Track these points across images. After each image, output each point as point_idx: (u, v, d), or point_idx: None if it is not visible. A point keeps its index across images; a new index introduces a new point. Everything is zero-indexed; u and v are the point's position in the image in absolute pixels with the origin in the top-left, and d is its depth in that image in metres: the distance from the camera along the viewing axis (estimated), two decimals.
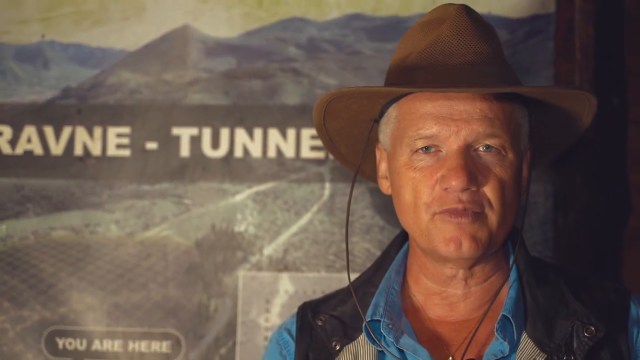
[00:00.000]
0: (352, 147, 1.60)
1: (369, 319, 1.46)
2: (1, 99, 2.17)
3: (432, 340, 1.47)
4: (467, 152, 1.40)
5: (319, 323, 1.50)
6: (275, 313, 2.11)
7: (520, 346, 1.41)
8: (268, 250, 2.11)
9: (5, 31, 2.17)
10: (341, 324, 1.50)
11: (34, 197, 2.15)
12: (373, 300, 1.50)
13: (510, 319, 1.41)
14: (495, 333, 1.41)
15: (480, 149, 1.40)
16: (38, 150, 2.16)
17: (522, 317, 1.44)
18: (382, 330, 1.45)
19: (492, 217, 1.41)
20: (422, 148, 1.40)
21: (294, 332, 1.55)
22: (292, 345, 1.54)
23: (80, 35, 2.17)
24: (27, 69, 2.17)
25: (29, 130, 2.15)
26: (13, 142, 2.16)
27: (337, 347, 1.48)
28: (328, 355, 1.49)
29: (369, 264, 2.09)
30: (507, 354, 1.40)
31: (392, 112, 1.44)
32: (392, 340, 1.43)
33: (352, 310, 1.51)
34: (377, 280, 1.52)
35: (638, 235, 2.06)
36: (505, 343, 1.40)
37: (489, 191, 1.40)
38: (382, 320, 1.45)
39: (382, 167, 1.50)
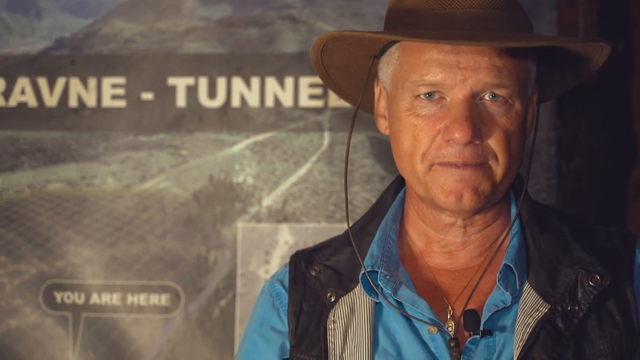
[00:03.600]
0: (349, 80, 1.58)
1: (374, 270, 1.45)
2: None
3: (431, 289, 1.48)
4: (473, 102, 1.38)
5: (313, 273, 1.50)
6: (275, 264, 2.13)
7: (523, 296, 1.41)
8: (267, 201, 2.13)
9: None
10: (336, 274, 1.49)
11: (29, 149, 2.18)
12: (369, 250, 1.50)
13: (513, 268, 1.41)
14: (497, 283, 1.40)
15: (487, 97, 1.38)
16: (32, 102, 2.18)
17: (524, 266, 1.44)
18: (379, 282, 1.45)
19: (497, 169, 1.40)
20: (425, 94, 1.38)
21: (286, 283, 1.55)
22: (285, 297, 1.54)
23: None
24: (19, 19, 2.18)
25: (23, 82, 2.18)
26: (6, 94, 2.19)
27: (332, 299, 1.48)
28: (323, 306, 1.49)
29: None
30: (509, 304, 1.41)
31: (395, 52, 1.41)
32: (389, 292, 1.44)
33: (347, 260, 1.51)
34: (373, 229, 1.52)
35: None
36: (507, 293, 1.40)
37: (493, 143, 1.39)
38: (379, 271, 1.45)
39: (381, 105, 1.48)
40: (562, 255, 1.45)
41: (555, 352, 1.40)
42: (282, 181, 2.14)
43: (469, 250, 1.48)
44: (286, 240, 2.12)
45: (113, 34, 2.19)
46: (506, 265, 1.42)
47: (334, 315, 1.50)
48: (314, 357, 1.51)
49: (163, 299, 2.16)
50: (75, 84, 2.18)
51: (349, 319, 1.50)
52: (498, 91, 1.38)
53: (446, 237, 1.48)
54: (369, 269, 1.45)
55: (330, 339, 1.49)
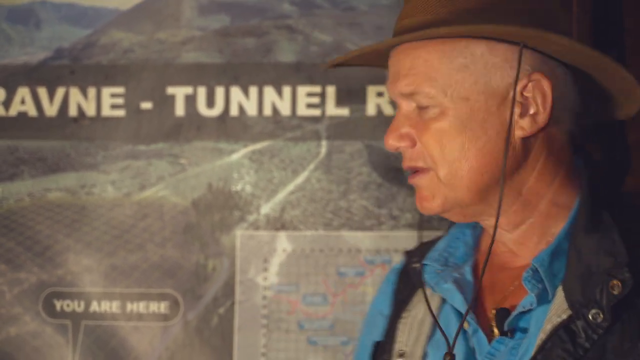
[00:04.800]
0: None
1: (424, 263, 1.50)
2: None
3: (489, 287, 1.48)
4: (404, 111, 1.41)
5: (412, 266, 1.55)
6: (273, 272, 2.15)
7: (555, 300, 1.39)
8: (265, 209, 2.14)
9: None
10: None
11: (28, 159, 2.19)
12: (437, 244, 1.53)
13: (539, 270, 1.39)
14: (522, 282, 1.39)
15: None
16: (32, 111, 2.19)
17: (562, 267, 1.41)
18: (425, 275, 1.48)
19: (440, 172, 1.41)
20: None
21: (398, 273, 1.62)
22: (391, 286, 1.62)
23: None
24: (19, 29, 2.20)
25: (23, 92, 2.18)
26: (6, 104, 2.20)
27: (415, 290, 1.55)
28: (409, 296, 1.56)
29: (366, 222, 2.16)
30: (535, 306, 1.40)
31: None
32: (433, 284, 1.47)
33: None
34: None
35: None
36: (533, 295, 1.39)
37: (426, 147, 1.40)
38: (429, 264, 1.48)
39: None
40: (600, 258, 1.39)
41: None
42: (280, 189, 2.15)
43: (524, 248, 1.46)
44: (284, 248, 2.13)
45: (112, 44, 2.19)
46: (534, 267, 1.41)
47: (409, 306, 1.54)
48: (387, 343, 1.56)
49: (162, 307, 2.16)
50: (74, 94, 2.19)
51: (418, 310, 1.53)
52: (416, 100, 1.40)
53: (499, 235, 1.48)
54: (424, 262, 1.49)
55: (399, 326, 1.53)
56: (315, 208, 2.14)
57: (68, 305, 2.17)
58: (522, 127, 1.39)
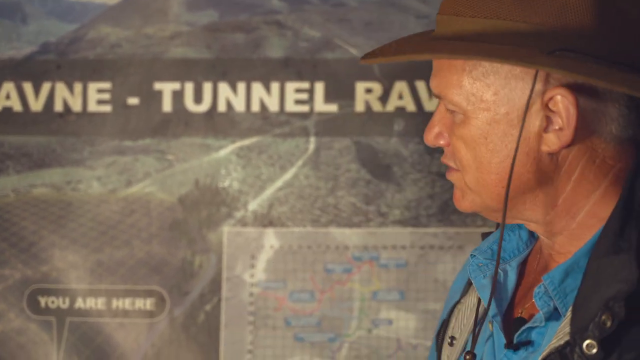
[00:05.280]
0: None
1: (472, 254, 1.50)
2: None
3: (525, 289, 1.47)
4: (440, 109, 1.42)
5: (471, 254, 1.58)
6: (260, 268, 2.16)
7: (563, 320, 1.35)
8: (253, 206, 2.15)
9: None
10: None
11: (14, 154, 2.19)
12: (490, 236, 1.53)
13: (547, 287, 1.37)
14: (533, 299, 1.38)
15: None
16: (17, 106, 2.19)
17: (577, 286, 1.37)
18: (469, 266, 1.48)
19: (465, 177, 1.41)
20: None
21: (470, 260, 1.61)
22: (463, 272, 1.64)
23: None
24: (5, 24, 2.20)
25: (8, 87, 2.19)
26: None
27: (468, 283, 1.59)
28: (463, 285, 1.60)
29: (354, 218, 2.18)
30: (543, 324, 1.38)
31: None
32: (473, 277, 1.48)
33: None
34: None
35: None
36: (541, 313, 1.37)
37: (454, 150, 1.40)
38: (476, 255, 1.49)
39: None
40: (612, 284, 1.33)
41: None
42: (267, 186, 2.16)
43: (562, 257, 1.42)
44: (272, 245, 2.14)
45: (99, 39, 2.20)
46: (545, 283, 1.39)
47: (469, 291, 1.54)
48: (445, 325, 1.58)
49: (148, 304, 2.17)
50: (60, 89, 2.19)
51: (473, 297, 1.54)
52: (444, 103, 1.40)
53: (541, 239, 1.48)
54: (472, 253, 1.49)
55: (455, 311, 1.55)
56: (303, 204, 2.16)
57: (53, 302, 2.17)
58: (547, 142, 1.36)
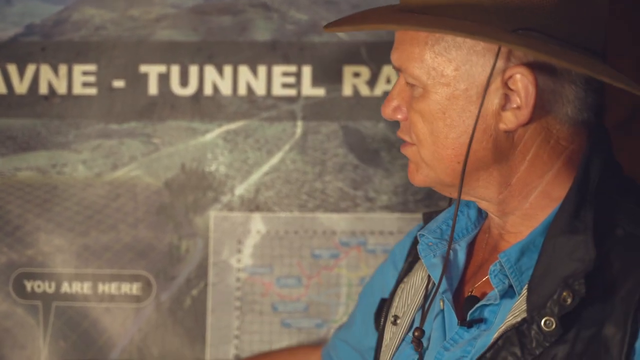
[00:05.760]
0: None
1: (421, 233, 1.53)
2: None
3: (475, 268, 1.50)
4: (400, 83, 1.44)
5: (419, 232, 1.57)
6: (247, 254, 2.17)
7: (519, 298, 1.38)
8: (239, 190, 2.15)
9: None
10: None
11: None
12: (438, 216, 1.55)
13: (503, 265, 1.38)
14: (489, 276, 1.39)
15: None
16: (2, 89, 2.17)
17: (532, 265, 1.40)
18: (419, 245, 1.50)
19: (421, 151, 1.43)
20: None
21: (413, 236, 1.67)
22: (409, 240, 1.69)
23: None
24: None
25: None
26: None
27: (412, 259, 1.62)
28: (413, 261, 1.62)
29: (342, 203, 2.18)
30: (497, 302, 1.40)
31: None
32: (423, 256, 1.50)
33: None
34: None
35: None
36: (496, 291, 1.39)
37: (411, 124, 1.43)
38: (425, 235, 1.50)
39: None
40: (567, 262, 1.36)
41: None
42: (254, 170, 2.16)
43: (512, 237, 1.45)
44: (258, 229, 2.15)
45: (84, 21, 2.17)
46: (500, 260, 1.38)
47: (412, 271, 1.59)
48: (387, 303, 1.62)
49: (134, 288, 2.17)
50: (45, 71, 2.17)
51: (416, 278, 1.57)
52: (404, 76, 1.41)
53: (492, 218, 1.48)
54: (420, 233, 1.51)
55: (398, 291, 1.59)
56: (290, 189, 2.16)
57: (39, 286, 2.17)
58: (504, 120, 1.37)
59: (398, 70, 1.43)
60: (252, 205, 2.15)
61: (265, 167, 2.16)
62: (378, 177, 2.17)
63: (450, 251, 1.47)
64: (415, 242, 1.59)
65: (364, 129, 2.19)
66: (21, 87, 2.17)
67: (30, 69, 2.17)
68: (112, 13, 2.17)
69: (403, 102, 1.43)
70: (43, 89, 2.17)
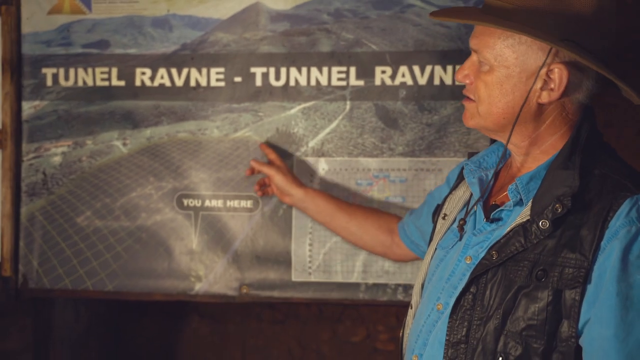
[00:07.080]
0: None
1: (465, 162, 1.61)
2: (144, 51, 2.50)
3: (500, 186, 1.57)
4: (472, 58, 1.48)
5: (464, 162, 1.63)
6: (316, 183, 2.47)
7: (525, 207, 1.46)
8: (311, 144, 2.46)
9: (144, 8, 2.51)
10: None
11: (166, 112, 2.50)
12: (481, 152, 1.61)
13: (517, 185, 1.46)
14: (507, 192, 1.49)
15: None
16: (167, 83, 2.50)
17: (536, 187, 1.47)
18: (464, 171, 1.59)
19: (479, 107, 1.49)
20: None
21: (460, 167, 1.74)
22: (458, 169, 1.75)
23: (192, 9, 2.50)
24: (159, 32, 2.49)
25: (162, 71, 2.50)
26: (152, 78, 2.51)
27: (459, 180, 1.69)
28: (460, 181, 1.69)
29: (374, 152, 2.41)
30: (512, 208, 1.49)
31: None
32: (465, 177, 1.60)
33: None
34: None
35: None
36: (511, 202, 1.47)
37: (476, 88, 1.49)
38: (468, 164, 1.58)
39: None
40: (559, 187, 1.43)
41: (504, 252, 1.42)
42: (320, 132, 2.45)
43: (526, 169, 1.53)
44: (323, 167, 2.45)
45: (217, 41, 2.48)
46: (517, 181, 1.47)
47: (458, 187, 1.68)
48: (440, 206, 1.69)
49: (248, 203, 2.50)
50: (194, 72, 2.49)
51: (460, 191, 1.65)
52: (477, 55, 1.47)
53: (514, 157, 1.55)
54: (465, 162, 1.60)
55: (448, 198, 1.68)
56: (342, 143, 2.44)
57: (191, 202, 2.51)
58: (541, 97, 1.45)
59: (474, 51, 1.48)
60: (319, 153, 2.44)
61: (327, 130, 2.45)
62: (396, 135, 2.43)
63: (483, 175, 1.56)
64: (462, 170, 1.69)
65: (388, 105, 2.43)
66: (179, 81, 2.51)
67: (184, 71, 2.50)
68: (233, 35, 2.48)
69: (471, 72, 1.50)
70: (192, 83, 2.50)
